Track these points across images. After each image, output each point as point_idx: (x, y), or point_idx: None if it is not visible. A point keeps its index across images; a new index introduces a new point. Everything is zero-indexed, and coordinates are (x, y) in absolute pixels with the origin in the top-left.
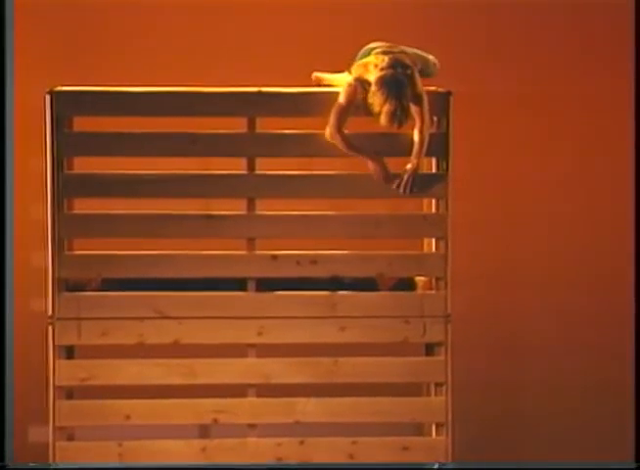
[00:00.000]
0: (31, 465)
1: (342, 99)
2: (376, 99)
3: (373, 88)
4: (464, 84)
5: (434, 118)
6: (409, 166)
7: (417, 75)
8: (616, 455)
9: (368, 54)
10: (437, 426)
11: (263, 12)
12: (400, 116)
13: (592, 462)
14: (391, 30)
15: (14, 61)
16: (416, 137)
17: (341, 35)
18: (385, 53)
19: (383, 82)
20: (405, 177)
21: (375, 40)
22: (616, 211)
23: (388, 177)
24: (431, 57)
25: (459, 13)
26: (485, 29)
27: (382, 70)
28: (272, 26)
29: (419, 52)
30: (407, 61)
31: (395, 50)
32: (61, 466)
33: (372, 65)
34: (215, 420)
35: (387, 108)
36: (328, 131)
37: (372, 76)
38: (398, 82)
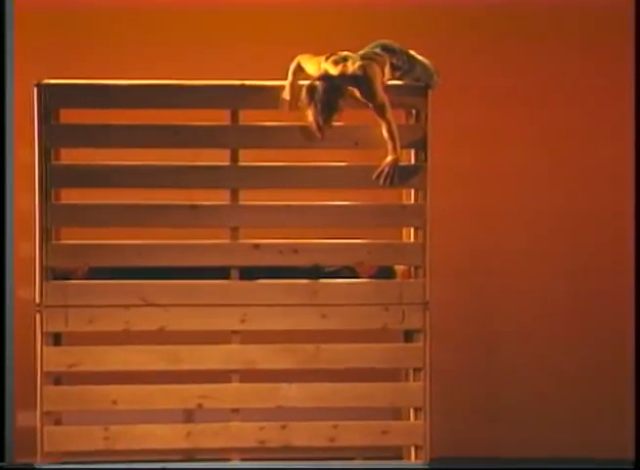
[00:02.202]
0: (30, 465)
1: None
2: (303, 101)
3: (303, 90)
4: (447, 77)
5: (413, 111)
6: (389, 159)
7: (377, 87)
8: (594, 441)
9: (373, 47)
10: (416, 410)
11: (249, 7)
12: (317, 124)
13: (589, 462)
14: (371, 26)
15: (14, 60)
16: (385, 137)
17: (326, 32)
18: (362, 58)
19: (309, 91)
20: (386, 169)
21: (355, 37)
22: (593, 201)
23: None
24: (435, 76)
25: (445, 8)
26: (471, 26)
27: (340, 69)
28: (257, 22)
29: (428, 66)
30: (372, 70)
31: (372, 55)
32: (60, 466)
33: (342, 63)
34: (200, 405)
35: (307, 115)
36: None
37: (333, 71)
38: (323, 96)
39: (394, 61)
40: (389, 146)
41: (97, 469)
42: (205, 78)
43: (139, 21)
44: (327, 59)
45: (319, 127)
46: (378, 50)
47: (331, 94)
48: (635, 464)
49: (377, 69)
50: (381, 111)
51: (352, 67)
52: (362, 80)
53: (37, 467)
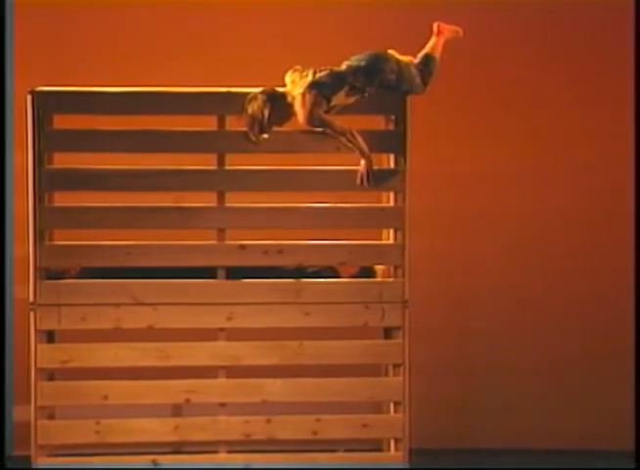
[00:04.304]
0: (30, 465)
1: None
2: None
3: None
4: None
5: (393, 117)
6: (362, 164)
7: (313, 113)
8: (573, 432)
9: (360, 60)
10: (395, 404)
11: (239, 12)
12: (249, 132)
13: (591, 463)
14: (358, 27)
15: (14, 68)
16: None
17: (311, 36)
18: (309, 84)
19: (248, 100)
20: (365, 173)
21: (341, 40)
22: (577, 201)
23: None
24: (420, 88)
25: (437, 9)
26: (466, 24)
27: (286, 88)
28: (245, 28)
29: (416, 79)
30: (309, 98)
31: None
32: (58, 465)
33: (302, 79)
34: (188, 400)
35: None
36: None
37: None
38: (256, 109)
39: (358, 84)
40: (357, 154)
41: (94, 469)
42: (193, 85)
43: (131, 27)
44: (294, 71)
45: (252, 135)
46: (348, 67)
47: (266, 108)
48: (636, 460)
49: (316, 98)
50: (330, 128)
51: (296, 90)
52: (296, 105)
53: (37, 467)
